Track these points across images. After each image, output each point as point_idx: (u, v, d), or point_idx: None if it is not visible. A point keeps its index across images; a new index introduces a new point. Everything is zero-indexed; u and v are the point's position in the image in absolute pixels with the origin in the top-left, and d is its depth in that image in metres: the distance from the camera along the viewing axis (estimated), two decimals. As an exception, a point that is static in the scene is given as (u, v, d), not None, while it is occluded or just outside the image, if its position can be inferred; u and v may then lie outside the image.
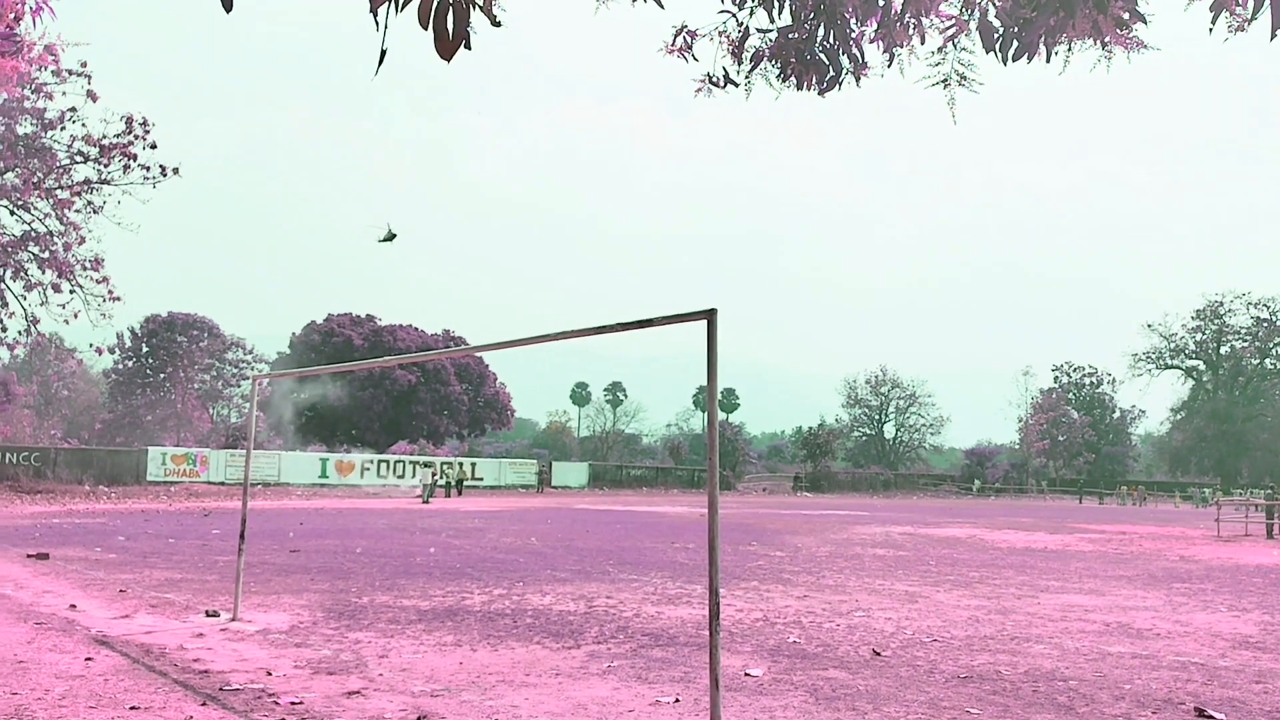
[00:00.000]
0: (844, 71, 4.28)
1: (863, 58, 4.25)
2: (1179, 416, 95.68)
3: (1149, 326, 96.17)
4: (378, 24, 2.77)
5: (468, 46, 2.74)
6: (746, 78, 4.41)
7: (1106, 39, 3.56)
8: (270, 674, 7.10)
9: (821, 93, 4.32)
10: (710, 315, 5.06)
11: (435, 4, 2.78)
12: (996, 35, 3.79)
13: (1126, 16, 3.55)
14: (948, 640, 9.22)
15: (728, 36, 4.35)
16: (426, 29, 2.70)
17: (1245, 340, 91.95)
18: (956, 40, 4.07)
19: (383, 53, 2.67)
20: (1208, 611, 11.79)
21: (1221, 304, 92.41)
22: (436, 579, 13.26)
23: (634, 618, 10.19)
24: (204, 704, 6.19)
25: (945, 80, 4.13)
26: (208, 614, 9.75)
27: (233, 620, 9.43)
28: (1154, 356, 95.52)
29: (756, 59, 4.34)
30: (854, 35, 4.25)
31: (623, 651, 8.29)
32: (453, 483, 49.61)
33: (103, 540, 18.39)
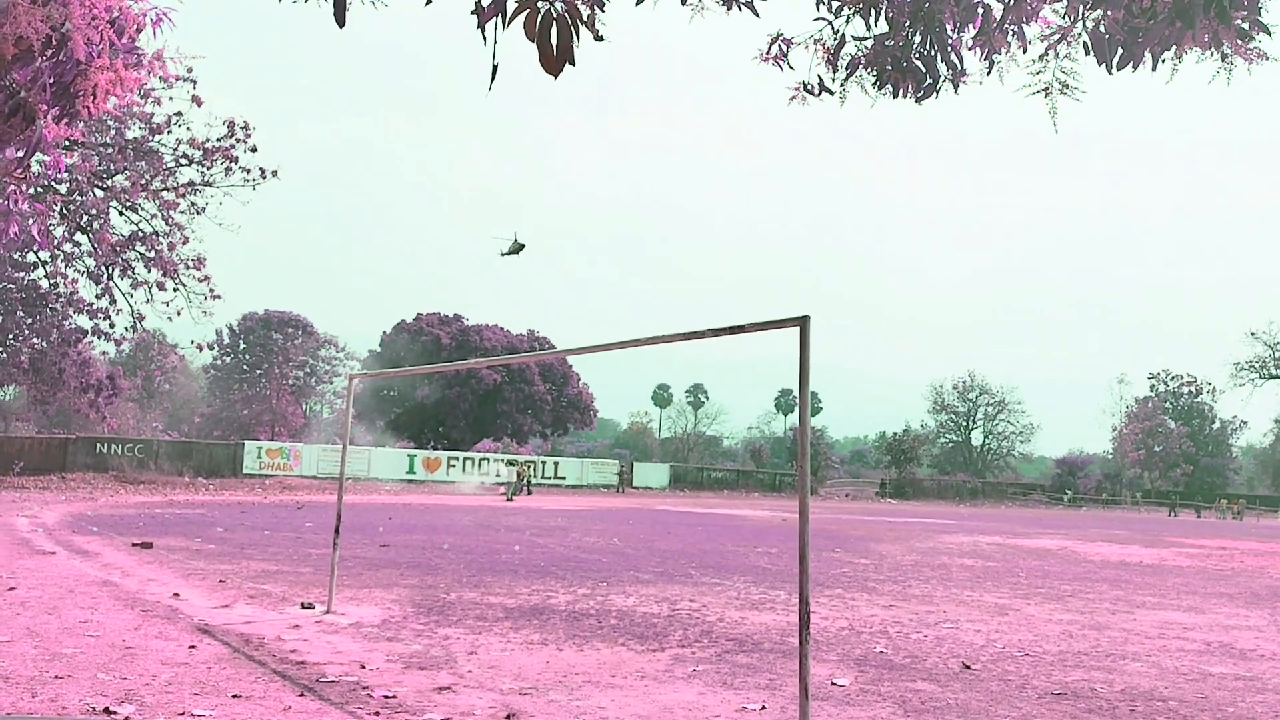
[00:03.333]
0: (941, 79, 4.24)
1: (961, 65, 4.20)
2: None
3: (1252, 335, 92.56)
4: (485, 39, 2.84)
5: (572, 63, 2.78)
6: (842, 85, 4.40)
7: (1227, 50, 3.46)
8: (364, 667, 7.29)
9: (919, 100, 4.28)
10: (803, 322, 5.04)
11: (540, 19, 2.83)
12: (1103, 44, 3.71)
13: (1248, 27, 3.44)
14: (1040, 655, 9.03)
15: (823, 44, 4.35)
16: (533, 41, 2.76)
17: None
18: (1058, 48, 4.00)
19: (494, 68, 2.72)
20: (1315, 633, 11.33)
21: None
22: (522, 577, 13.43)
23: (718, 622, 10.19)
24: (302, 695, 6.38)
25: (1047, 89, 4.07)
26: (303, 606, 10.03)
27: (327, 613, 9.68)
28: (1257, 365, 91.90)
29: (852, 66, 4.32)
30: (952, 42, 4.21)
31: (707, 656, 8.31)
32: (520, 481, 47.18)
33: (202, 531, 19.03)
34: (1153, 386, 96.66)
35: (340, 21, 3.27)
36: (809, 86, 4.45)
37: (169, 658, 7.28)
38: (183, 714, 5.75)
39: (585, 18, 2.97)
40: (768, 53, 4.38)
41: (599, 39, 3.08)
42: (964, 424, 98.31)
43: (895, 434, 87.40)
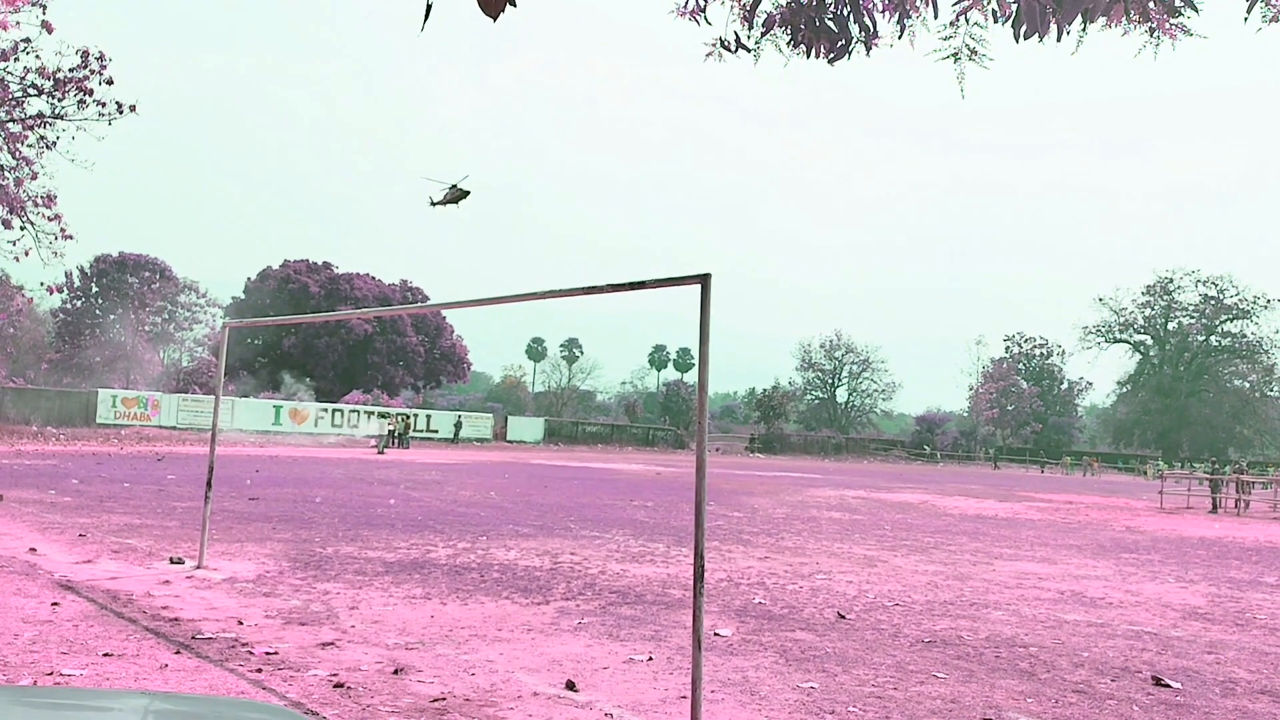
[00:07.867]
0: (854, 40, 4.26)
1: (874, 27, 4.23)
2: (1125, 390, 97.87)
3: (1100, 300, 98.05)
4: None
5: (513, 4, 2.67)
6: (757, 43, 4.38)
7: (1154, 25, 3.56)
8: (241, 623, 7.07)
9: (831, 61, 4.29)
10: (704, 280, 5.05)
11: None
12: (1009, 12, 3.79)
13: (1179, 4, 3.54)
14: (909, 605, 9.40)
15: (740, 0, 4.31)
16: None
17: (1193, 317, 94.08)
18: (968, 13, 4.07)
19: (428, 7, 2.58)
20: (1156, 582, 12.12)
21: (1171, 280, 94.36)
22: (399, 531, 13.25)
23: (600, 575, 10.27)
24: (178, 652, 6.15)
25: (956, 54, 4.13)
26: (172, 561, 9.67)
27: (198, 568, 9.36)
28: (1104, 330, 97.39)
29: (768, 24, 4.30)
30: (865, 3, 4.23)
31: (592, 609, 8.36)
32: (398, 433, 46.57)
33: (56, 483, 18.12)
34: (1008, 348, 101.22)
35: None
36: (725, 43, 4.41)
37: (30, 615, 6.92)
38: (51, 674, 5.48)
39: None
40: (685, 7, 4.33)
41: None
42: (830, 381, 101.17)
43: (765, 390, 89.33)
